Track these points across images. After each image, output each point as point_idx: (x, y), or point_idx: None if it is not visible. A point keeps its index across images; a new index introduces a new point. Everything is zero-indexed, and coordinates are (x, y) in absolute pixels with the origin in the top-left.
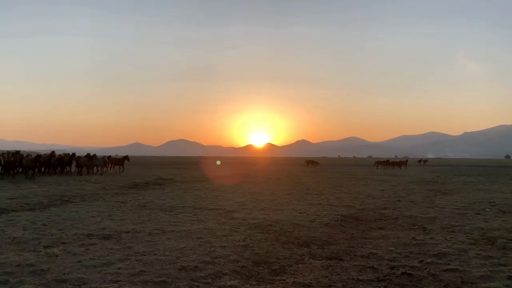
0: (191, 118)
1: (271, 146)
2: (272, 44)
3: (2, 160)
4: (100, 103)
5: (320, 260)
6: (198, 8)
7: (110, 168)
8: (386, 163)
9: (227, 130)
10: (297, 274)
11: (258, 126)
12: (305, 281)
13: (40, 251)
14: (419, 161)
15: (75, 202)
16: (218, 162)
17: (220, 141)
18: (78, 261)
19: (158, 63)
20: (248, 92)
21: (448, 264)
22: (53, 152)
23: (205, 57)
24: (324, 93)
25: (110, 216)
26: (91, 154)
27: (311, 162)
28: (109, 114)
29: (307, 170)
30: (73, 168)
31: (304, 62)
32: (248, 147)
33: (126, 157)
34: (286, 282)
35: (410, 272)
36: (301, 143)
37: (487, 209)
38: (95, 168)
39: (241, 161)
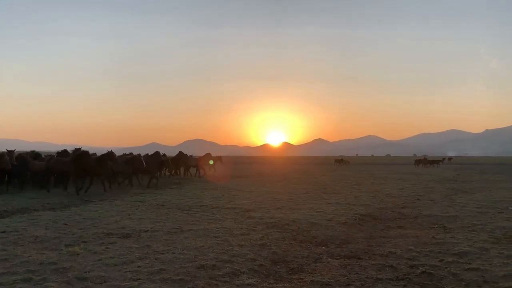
0: (207, 118)
1: (287, 145)
2: (287, 43)
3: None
4: (117, 104)
5: (338, 259)
6: (211, 8)
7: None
8: (425, 161)
9: (243, 130)
10: (315, 273)
11: (274, 125)
12: (323, 280)
13: (62, 249)
14: (443, 159)
15: (94, 202)
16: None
17: (236, 140)
18: (99, 260)
19: (174, 63)
20: (264, 91)
21: (470, 263)
22: (158, 152)
23: (220, 56)
24: (340, 91)
25: (129, 215)
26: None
27: (339, 161)
28: (126, 114)
29: (324, 169)
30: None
31: (319, 60)
32: (264, 146)
33: (219, 158)
34: (304, 281)
35: (430, 271)
36: (318, 142)
37: (509, 208)
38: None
39: (258, 161)
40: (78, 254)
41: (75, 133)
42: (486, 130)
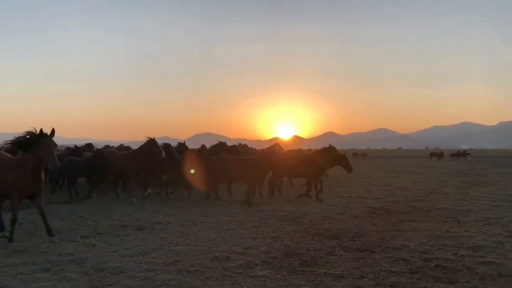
0: (217, 112)
1: (297, 139)
2: (296, 38)
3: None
4: (129, 99)
5: (351, 252)
6: (219, 7)
7: None
8: (441, 155)
9: (253, 123)
10: (328, 266)
11: (284, 119)
12: (337, 273)
13: (78, 241)
14: (459, 152)
15: (108, 195)
16: None
17: (246, 134)
18: (114, 251)
19: (184, 60)
20: (274, 86)
21: (484, 257)
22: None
23: (230, 53)
24: (351, 85)
25: (142, 207)
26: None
27: (356, 155)
28: (138, 109)
29: None
30: None
31: (330, 54)
32: (274, 140)
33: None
34: (318, 273)
35: (444, 264)
36: (329, 135)
37: None
38: None
39: None
40: (94, 246)
41: (87, 127)
42: (500, 123)
